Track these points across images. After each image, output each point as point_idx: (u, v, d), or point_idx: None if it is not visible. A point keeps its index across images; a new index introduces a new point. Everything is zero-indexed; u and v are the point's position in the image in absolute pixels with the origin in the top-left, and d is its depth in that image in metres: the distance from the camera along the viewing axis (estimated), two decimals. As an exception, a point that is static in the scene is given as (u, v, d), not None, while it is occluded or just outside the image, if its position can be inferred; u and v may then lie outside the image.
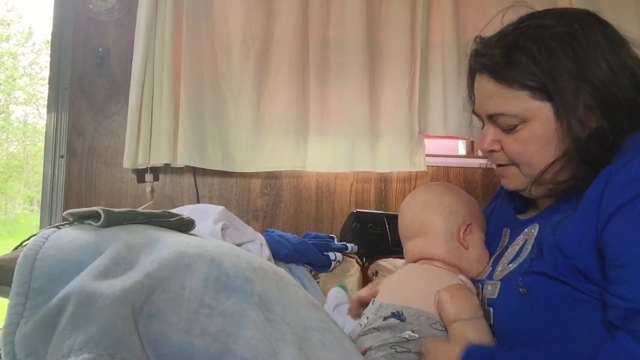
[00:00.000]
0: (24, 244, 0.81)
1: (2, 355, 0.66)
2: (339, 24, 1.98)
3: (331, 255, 1.64)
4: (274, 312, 0.77)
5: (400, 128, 2.00)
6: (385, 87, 2.00)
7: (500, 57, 0.86)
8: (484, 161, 2.36)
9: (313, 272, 1.61)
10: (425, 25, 2.02)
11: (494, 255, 0.97)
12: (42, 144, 2.54)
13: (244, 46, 1.91)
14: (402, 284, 0.96)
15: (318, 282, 1.59)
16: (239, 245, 1.36)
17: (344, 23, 1.98)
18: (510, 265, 0.89)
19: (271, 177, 2.03)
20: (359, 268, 1.67)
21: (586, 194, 0.79)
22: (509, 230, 0.98)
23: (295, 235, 1.70)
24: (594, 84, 0.81)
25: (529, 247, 0.88)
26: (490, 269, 0.94)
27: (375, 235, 1.82)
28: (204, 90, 1.89)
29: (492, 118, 0.89)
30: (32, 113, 10.02)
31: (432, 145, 2.19)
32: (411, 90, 2.01)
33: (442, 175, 2.14)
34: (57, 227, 0.84)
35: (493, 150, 0.91)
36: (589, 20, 0.85)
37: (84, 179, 1.93)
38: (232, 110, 1.91)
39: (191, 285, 0.75)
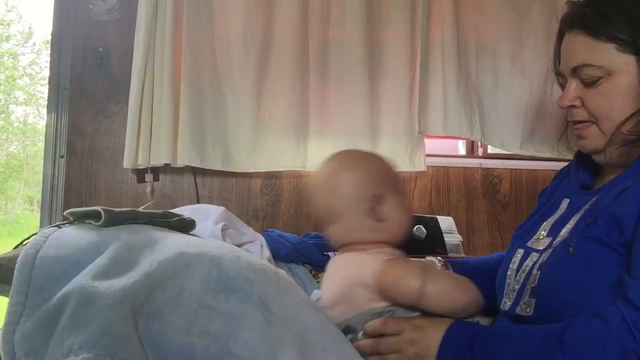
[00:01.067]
0: (24, 242, 0.81)
1: (1, 355, 0.67)
2: (339, 24, 1.98)
3: (331, 255, 1.63)
4: (273, 314, 0.77)
5: (400, 128, 2.00)
6: (385, 87, 2.00)
7: (592, 12, 0.89)
8: (484, 161, 2.37)
9: (313, 272, 1.61)
10: (425, 25, 2.01)
11: (551, 224, 0.98)
12: (42, 144, 2.54)
13: (244, 46, 1.91)
14: (332, 298, 0.93)
15: (318, 282, 1.59)
16: (239, 245, 1.36)
17: (344, 23, 1.98)
18: (568, 235, 0.91)
19: (271, 177, 2.03)
20: (359, 268, 1.67)
21: None
22: (568, 201, 0.99)
23: (295, 235, 1.70)
24: None
25: (586, 215, 0.90)
26: (550, 239, 0.95)
27: (375, 236, 1.81)
28: (204, 90, 1.90)
29: (576, 71, 0.92)
30: (32, 113, 10.00)
31: (432, 145, 2.19)
32: (411, 90, 2.01)
33: (442, 175, 2.14)
34: (58, 226, 0.83)
35: (573, 106, 0.94)
36: None
37: (84, 179, 1.93)
38: (232, 110, 1.91)
39: (191, 286, 0.75)
